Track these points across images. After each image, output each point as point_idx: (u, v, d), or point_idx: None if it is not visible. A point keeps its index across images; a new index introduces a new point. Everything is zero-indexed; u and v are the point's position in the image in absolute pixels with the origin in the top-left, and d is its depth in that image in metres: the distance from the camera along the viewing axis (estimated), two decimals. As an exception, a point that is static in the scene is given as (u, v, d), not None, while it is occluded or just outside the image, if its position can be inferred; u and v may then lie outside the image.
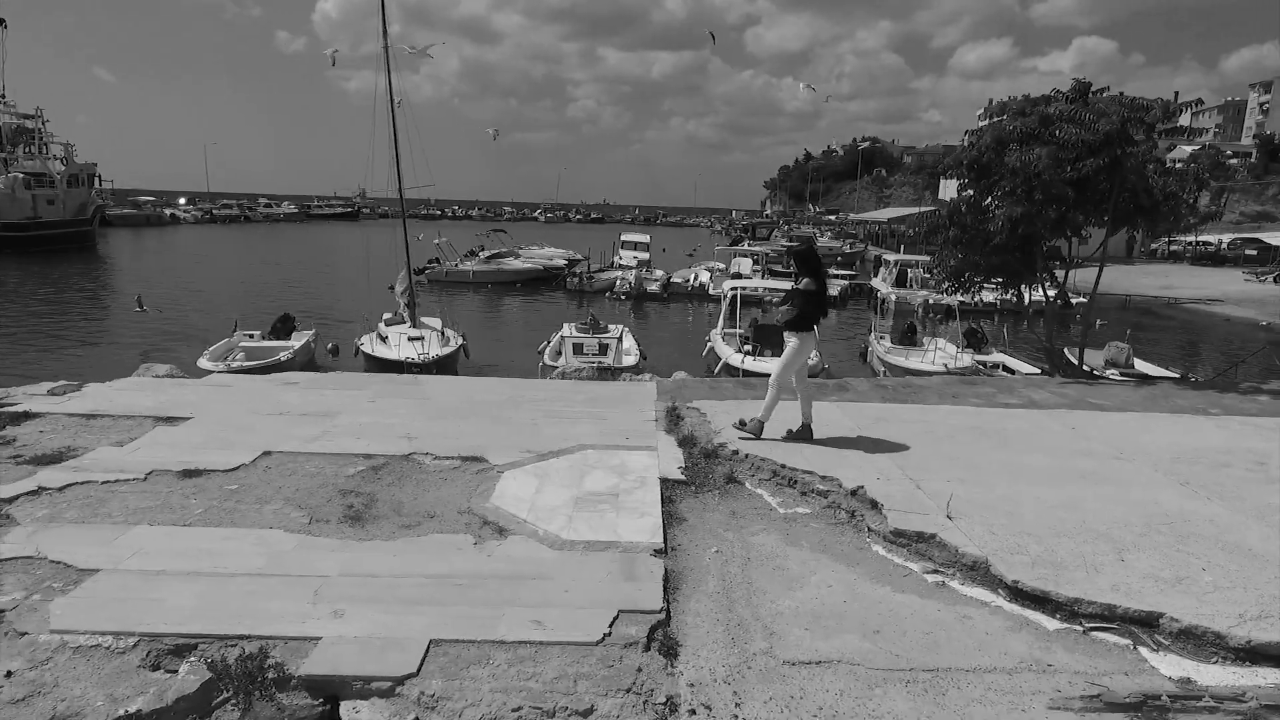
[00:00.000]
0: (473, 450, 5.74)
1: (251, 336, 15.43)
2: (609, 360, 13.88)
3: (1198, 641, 3.46)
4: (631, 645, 3.34)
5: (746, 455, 5.70)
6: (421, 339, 14.60)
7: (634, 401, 7.49)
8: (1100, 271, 10.16)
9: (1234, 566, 4.04)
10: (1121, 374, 12.60)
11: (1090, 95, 10.15)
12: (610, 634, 3.39)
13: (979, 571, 4.07)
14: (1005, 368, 14.35)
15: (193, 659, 3.18)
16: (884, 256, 35.76)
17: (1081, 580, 3.88)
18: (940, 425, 6.76)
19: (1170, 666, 3.35)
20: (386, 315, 17.15)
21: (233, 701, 3.00)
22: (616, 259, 39.44)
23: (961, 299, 11.68)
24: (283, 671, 3.09)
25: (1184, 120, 14.49)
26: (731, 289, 15.95)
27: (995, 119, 10.61)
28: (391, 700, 3.01)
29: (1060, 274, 11.00)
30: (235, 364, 12.56)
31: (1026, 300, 14.91)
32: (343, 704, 3.03)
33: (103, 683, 3.00)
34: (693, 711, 2.99)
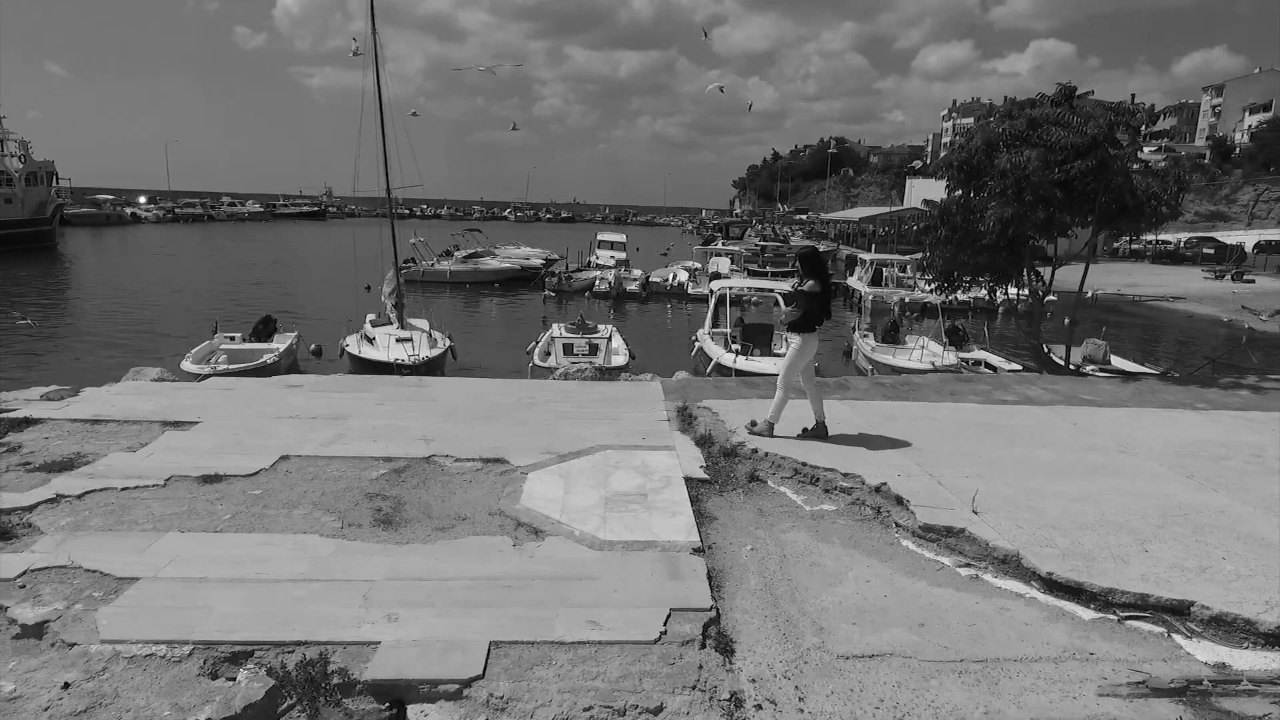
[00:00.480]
0: (492, 452, 5.73)
1: (233, 339, 15.15)
2: (599, 360, 13.90)
3: (1228, 628, 3.59)
4: (688, 643, 3.38)
5: (766, 454, 5.77)
6: (410, 340, 14.47)
7: (643, 401, 7.53)
8: (1086, 271, 10.42)
9: (1252, 556, 4.21)
10: (1100, 370, 12.93)
11: (1075, 99, 10.41)
12: (666, 632, 3.43)
13: (1010, 564, 4.18)
14: (987, 364, 14.65)
15: (250, 666, 3.16)
16: (860, 256, 36.23)
17: (1112, 571, 4.01)
18: (948, 422, 6.91)
19: (1205, 653, 3.49)
20: (371, 316, 16.95)
21: (298, 708, 2.98)
22: (593, 259, 39.40)
23: (948, 298, 11.90)
24: (347, 677, 3.08)
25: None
26: (720, 289, 16.07)
27: (984, 121, 10.81)
28: (460, 703, 3.02)
29: (1046, 272, 11.26)
30: (221, 367, 12.33)
31: (999, 299, 15.20)
32: (410, 708, 3.02)
33: (165, 692, 2.96)
34: (759, 706, 3.04)
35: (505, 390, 7.93)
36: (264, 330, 15.83)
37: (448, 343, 15.30)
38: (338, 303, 29.05)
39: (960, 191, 10.63)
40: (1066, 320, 12.79)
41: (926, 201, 11.44)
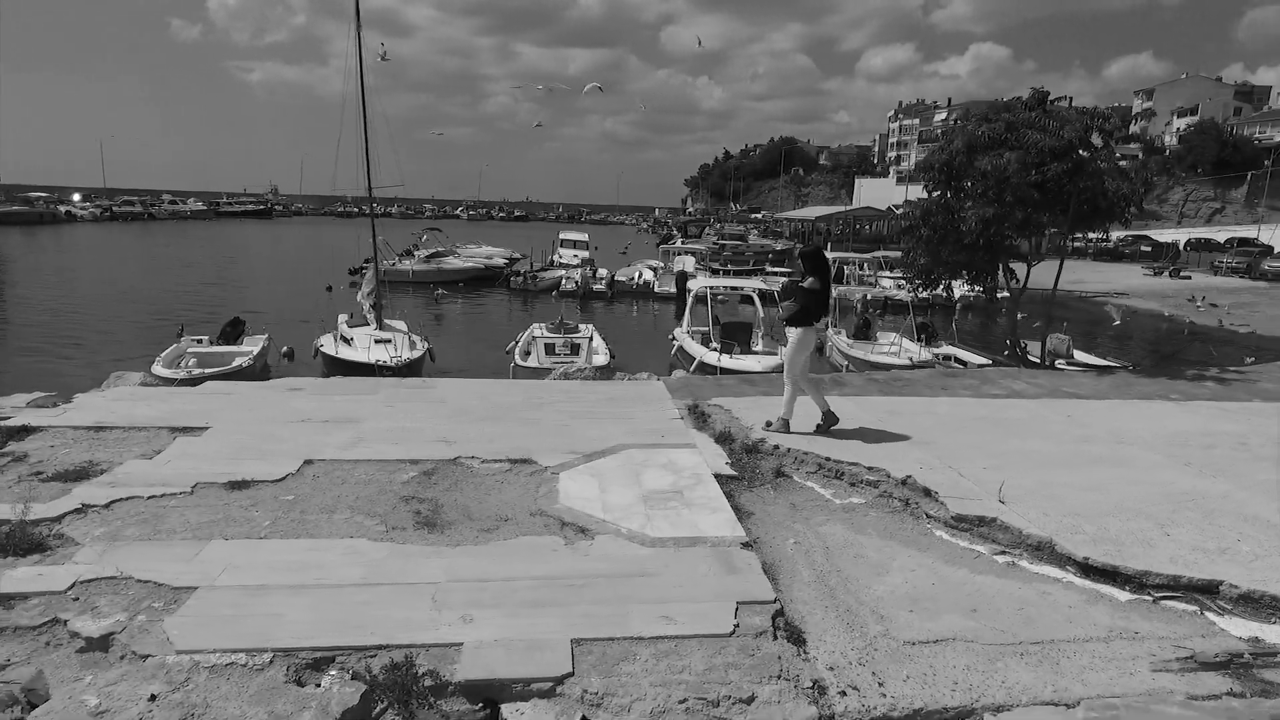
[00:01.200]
0: (517, 453, 5.73)
1: (200, 341, 14.70)
2: (581, 360, 13.91)
3: (1256, 605, 3.84)
4: (761, 634, 3.47)
5: (789, 450, 5.90)
6: (389, 341, 14.25)
7: (650, 400, 7.59)
8: (1060, 267, 10.84)
9: (1263, 537, 4.48)
10: (1067, 364, 13.45)
11: (1048, 104, 10.81)
12: (739, 625, 3.51)
13: (1044, 551, 4.38)
14: (957, 359, 15.09)
15: (333, 672, 3.14)
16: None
17: (1141, 555, 4.23)
18: (950, 417, 7.14)
19: (1238, 628, 3.72)
20: (344, 316, 16.62)
21: (391, 710, 2.97)
22: (556, 258, 39.24)
23: (931, 295, 12.26)
24: (438, 678, 3.08)
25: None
26: (700, 288, 16.22)
27: (962, 124, 11.15)
28: (554, 700, 3.05)
29: (1019, 270, 11.67)
30: (198, 372, 11.96)
31: (956, 295, 15.61)
32: (504, 706, 3.04)
33: (255, 701, 2.93)
34: (843, 693, 3.15)
35: (510, 391, 7.91)
36: (232, 333, 15.40)
37: (426, 345, 15.11)
38: (295, 303, 28.42)
39: (939, 193, 10.94)
40: (1035, 322, 13.30)
41: (907, 202, 11.75)
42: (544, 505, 4.84)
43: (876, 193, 77.32)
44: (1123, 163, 10.76)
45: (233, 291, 32.40)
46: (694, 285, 17.24)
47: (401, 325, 16.06)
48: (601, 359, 14.46)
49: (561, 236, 43.08)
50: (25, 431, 5.88)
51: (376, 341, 14.20)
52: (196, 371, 11.95)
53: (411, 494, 4.99)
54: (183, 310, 23.83)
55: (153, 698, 2.91)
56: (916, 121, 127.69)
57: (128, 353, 15.48)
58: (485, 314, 29.51)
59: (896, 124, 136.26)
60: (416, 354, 14.31)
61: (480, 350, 19.30)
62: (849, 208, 62.56)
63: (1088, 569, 4.16)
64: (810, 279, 6.63)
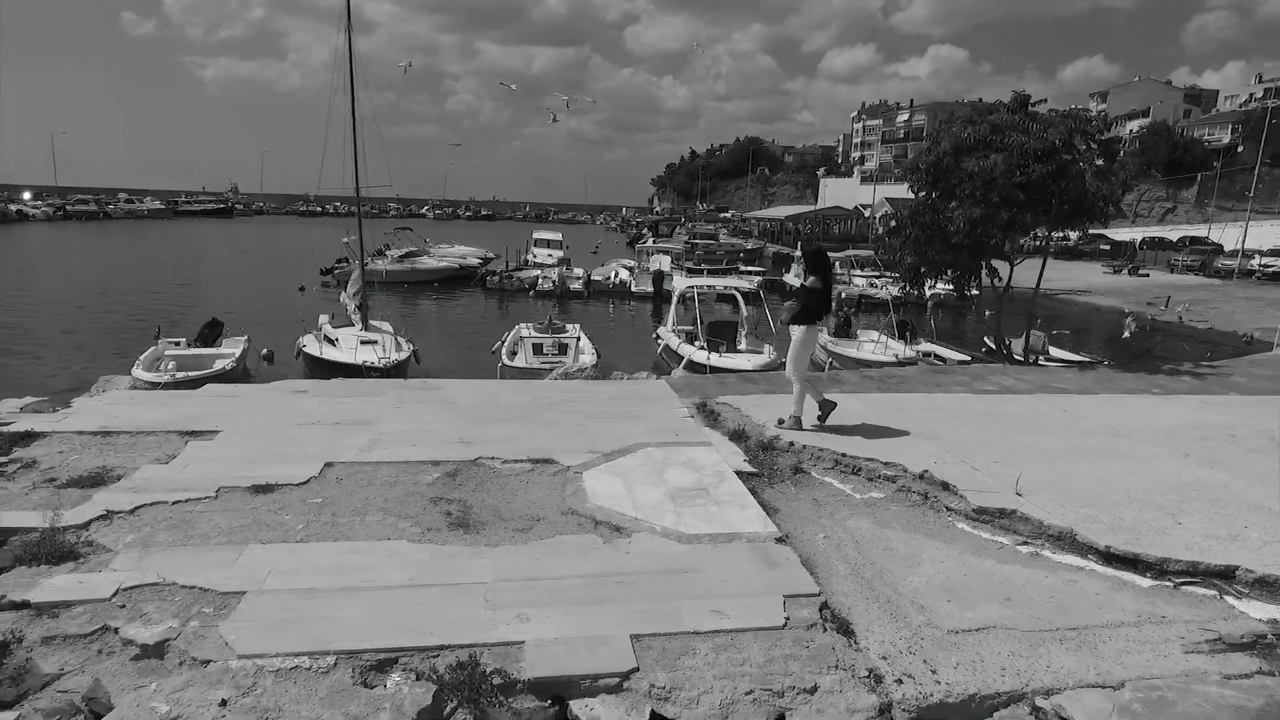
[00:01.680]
0: (537, 453, 5.75)
1: (178, 344, 14.38)
2: (569, 360, 13.91)
3: (1271, 588, 4.02)
4: (812, 627, 3.56)
5: (804, 446, 6.00)
6: (375, 342, 14.10)
7: (657, 400, 7.65)
8: (1043, 267, 11.13)
9: (1269, 524, 4.70)
10: (1045, 360, 13.81)
11: (1029, 107, 11.11)
12: (789, 618, 3.59)
13: (1066, 541, 4.53)
14: (937, 356, 15.41)
15: (398, 673, 3.15)
16: (794, 254, 37.28)
17: (1159, 542, 4.41)
18: (951, 412, 7.32)
19: (1256, 611, 3.90)
20: (324, 317, 16.38)
21: (463, 709, 2.99)
22: (530, 257, 39.07)
23: (918, 292, 12.51)
24: (506, 677, 3.11)
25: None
26: (688, 287, 16.33)
27: (948, 127, 11.40)
28: (622, 695, 3.10)
29: (1002, 268, 11.96)
30: (182, 375, 11.72)
31: (926, 293, 15.96)
32: (572, 703, 3.08)
33: (327, 703, 2.93)
34: (899, 681, 3.24)
35: (517, 391, 7.91)
36: (210, 335, 15.10)
37: (411, 346, 14.98)
38: (265, 303, 27.91)
39: (926, 193, 11.17)
40: (996, 318, 13.59)
41: (890, 201, 11.96)
42: (574, 505, 4.88)
43: (841, 192, 78.37)
44: (1099, 163, 11.09)
45: (200, 293, 31.72)
46: (679, 285, 17.37)
47: (387, 326, 15.90)
48: (589, 359, 14.48)
49: (535, 236, 42.89)
50: (29, 437, 5.74)
51: (363, 343, 14.05)
52: (180, 375, 11.71)
53: (439, 495, 4.98)
54: (150, 312, 23.29)
55: (223, 703, 2.90)
56: (880, 122, 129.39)
57: (99, 356, 15.10)
58: (463, 314, 29.29)
59: (860, 124, 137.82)
60: (403, 355, 14.18)
61: (461, 350, 19.19)
62: (817, 207, 63.26)
63: (1110, 557, 4.32)
64: (812, 278, 6.77)
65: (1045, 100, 11.28)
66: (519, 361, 14.59)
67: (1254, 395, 8.97)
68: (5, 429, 5.85)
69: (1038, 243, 12.88)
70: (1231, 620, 3.80)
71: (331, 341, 14.74)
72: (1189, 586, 4.12)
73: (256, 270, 43.10)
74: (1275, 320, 21.04)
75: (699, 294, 16.14)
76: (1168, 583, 4.15)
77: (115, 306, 26.99)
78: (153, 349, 13.69)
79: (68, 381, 13.01)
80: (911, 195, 11.37)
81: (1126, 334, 21.71)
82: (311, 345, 14.91)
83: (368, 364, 12.97)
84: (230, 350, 13.98)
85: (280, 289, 31.59)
